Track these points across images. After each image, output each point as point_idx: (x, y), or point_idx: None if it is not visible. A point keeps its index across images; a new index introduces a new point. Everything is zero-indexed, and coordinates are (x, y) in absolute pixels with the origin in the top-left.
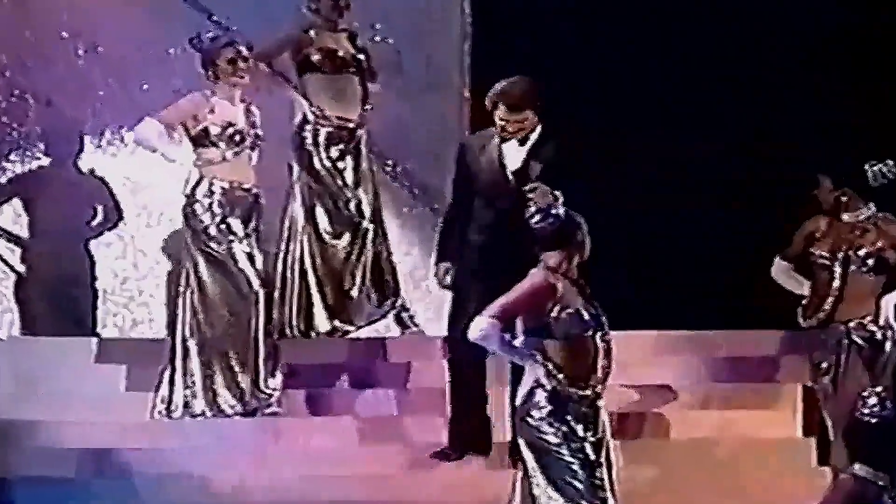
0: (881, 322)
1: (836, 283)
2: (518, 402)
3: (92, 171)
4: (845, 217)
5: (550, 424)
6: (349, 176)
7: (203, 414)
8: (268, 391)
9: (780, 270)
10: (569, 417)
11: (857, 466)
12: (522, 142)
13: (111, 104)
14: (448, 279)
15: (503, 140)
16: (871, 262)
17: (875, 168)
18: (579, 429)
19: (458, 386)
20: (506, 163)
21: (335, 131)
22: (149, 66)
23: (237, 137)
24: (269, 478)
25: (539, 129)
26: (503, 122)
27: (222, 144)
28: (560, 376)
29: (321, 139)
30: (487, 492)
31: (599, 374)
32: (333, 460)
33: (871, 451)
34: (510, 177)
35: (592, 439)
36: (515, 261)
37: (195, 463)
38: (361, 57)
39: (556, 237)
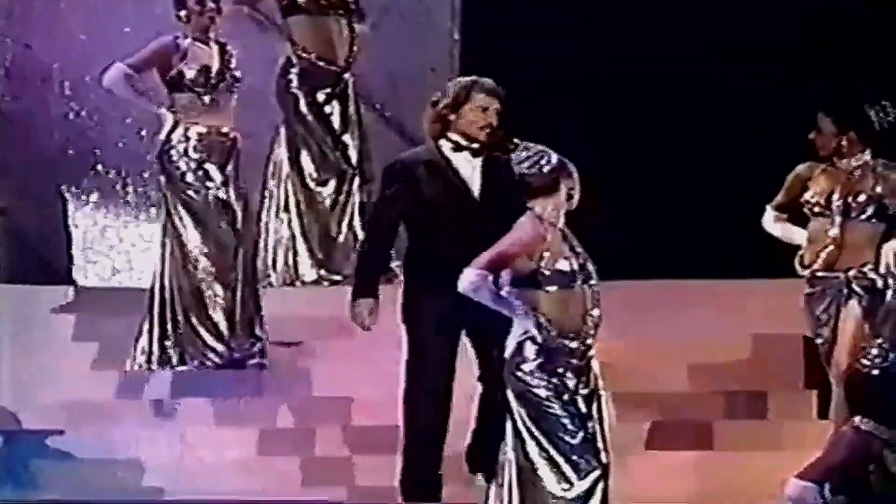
0: (882, 270)
1: (835, 231)
2: (507, 354)
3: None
4: (842, 163)
5: (541, 377)
6: (336, 121)
7: (183, 365)
8: (251, 342)
9: (772, 220)
10: (560, 370)
11: (858, 419)
12: (475, 153)
13: (91, 48)
14: (370, 319)
15: (458, 149)
16: (870, 208)
17: (876, 109)
18: (570, 382)
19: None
20: (464, 177)
21: (321, 75)
22: (130, 10)
23: (213, 81)
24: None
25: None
26: (476, 118)
27: (198, 89)
28: (550, 328)
29: (307, 83)
30: None
31: (590, 325)
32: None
33: (873, 404)
34: (474, 191)
35: (584, 392)
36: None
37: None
38: None
39: (546, 184)
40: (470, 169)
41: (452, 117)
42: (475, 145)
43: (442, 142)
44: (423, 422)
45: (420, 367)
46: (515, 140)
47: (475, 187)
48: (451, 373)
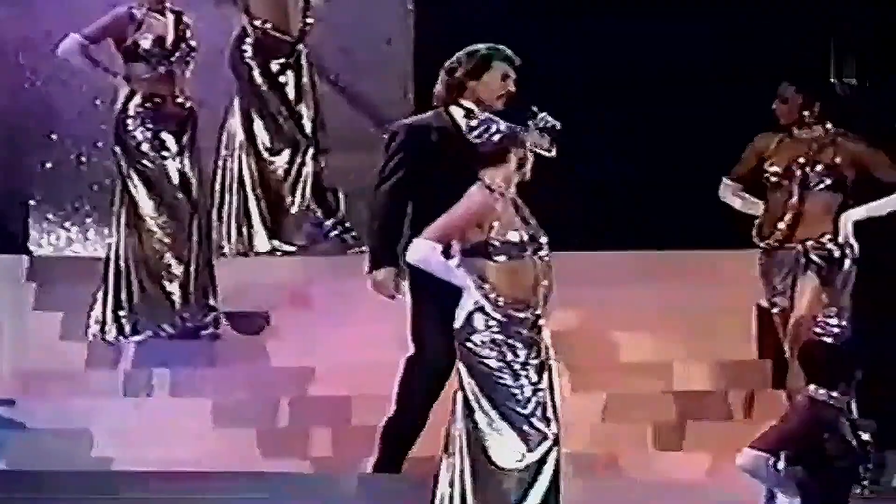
0: (840, 240)
1: (794, 201)
2: (457, 325)
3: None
4: (802, 133)
5: (491, 348)
6: (290, 91)
7: (137, 334)
8: (205, 313)
9: (728, 190)
10: (510, 340)
11: (812, 388)
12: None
13: (47, 18)
14: (403, 287)
15: (469, 116)
16: (829, 179)
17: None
18: (521, 352)
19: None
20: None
21: (275, 45)
22: None
23: (168, 51)
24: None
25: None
26: (497, 86)
27: (154, 59)
28: (500, 299)
29: (261, 53)
30: None
31: (540, 295)
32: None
33: (827, 373)
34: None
35: (535, 362)
36: None
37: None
38: None
39: (495, 154)
40: None
41: (472, 84)
42: (487, 112)
43: (453, 108)
44: (417, 400)
45: (421, 351)
46: (534, 108)
47: None
48: (451, 357)
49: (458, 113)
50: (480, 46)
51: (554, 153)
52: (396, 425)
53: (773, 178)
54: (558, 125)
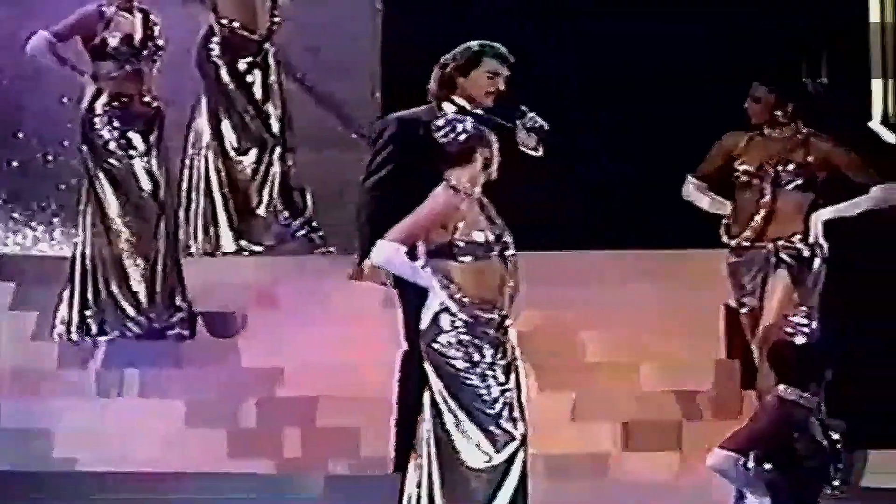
0: (811, 240)
1: (766, 200)
2: (423, 326)
3: None
4: (773, 133)
5: (458, 349)
6: (257, 90)
7: (104, 335)
8: (171, 313)
9: (693, 189)
10: (477, 341)
11: (782, 388)
12: None
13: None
14: (385, 277)
15: (461, 113)
16: (800, 178)
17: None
18: (488, 352)
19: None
20: None
21: (242, 44)
22: None
23: (136, 50)
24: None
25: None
26: (485, 83)
27: (121, 57)
28: (465, 299)
29: (228, 52)
30: None
31: (506, 296)
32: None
33: (797, 373)
34: None
35: (501, 363)
36: None
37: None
38: None
39: (461, 154)
40: None
41: (461, 80)
42: (479, 110)
43: (445, 104)
44: (415, 397)
45: (414, 347)
46: (523, 107)
47: None
48: None
49: (450, 109)
50: (474, 43)
51: (541, 153)
52: (402, 422)
53: (744, 177)
54: (546, 125)
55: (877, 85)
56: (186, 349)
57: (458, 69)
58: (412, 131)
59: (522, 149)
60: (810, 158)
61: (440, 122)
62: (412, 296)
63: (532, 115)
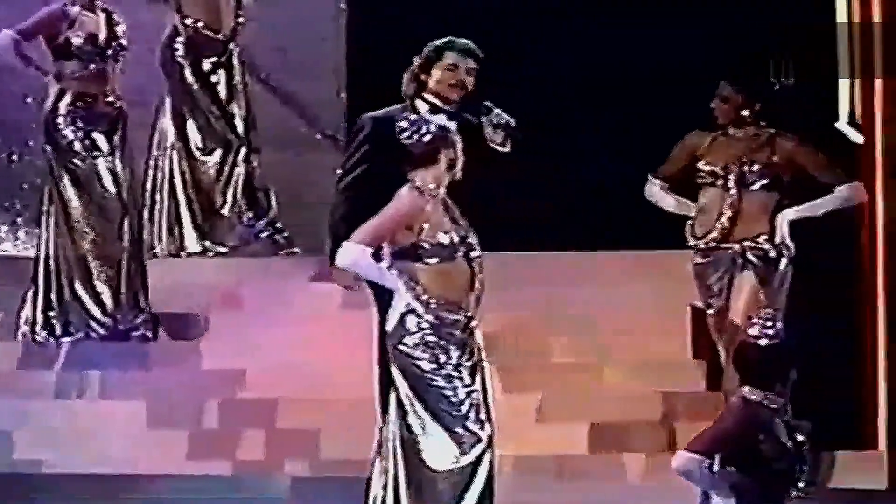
0: (777, 240)
1: (732, 200)
2: (389, 328)
3: None
4: (738, 132)
5: (423, 350)
6: (222, 90)
7: (68, 335)
8: (135, 314)
9: (658, 190)
10: (443, 342)
11: (747, 390)
12: (452, 115)
13: None
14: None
15: (434, 111)
16: (766, 178)
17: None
18: (454, 354)
19: None
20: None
21: (207, 43)
22: None
23: (100, 49)
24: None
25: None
26: (446, 76)
27: (85, 57)
28: (431, 301)
29: (192, 52)
30: None
31: (472, 297)
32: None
33: (762, 374)
34: None
35: (468, 364)
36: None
37: None
38: None
39: (425, 155)
40: None
41: (424, 77)
42: (448, 106)
43: (418, 102)
44: None
45: None
46: (487, 103)
47: None
48: None
49: (423, 107)
50: (440, 40)
51: (508, 149)
52: None
53: (709, 178)
54: (513, 122)
55: (843, 85)
56: (150, 350)
57: (422, 67)
58: (387, 131)
59: (491, 145)
60: (775, 158)
61: (403, 123)
62: (388, 295)
63: (498, 111)
